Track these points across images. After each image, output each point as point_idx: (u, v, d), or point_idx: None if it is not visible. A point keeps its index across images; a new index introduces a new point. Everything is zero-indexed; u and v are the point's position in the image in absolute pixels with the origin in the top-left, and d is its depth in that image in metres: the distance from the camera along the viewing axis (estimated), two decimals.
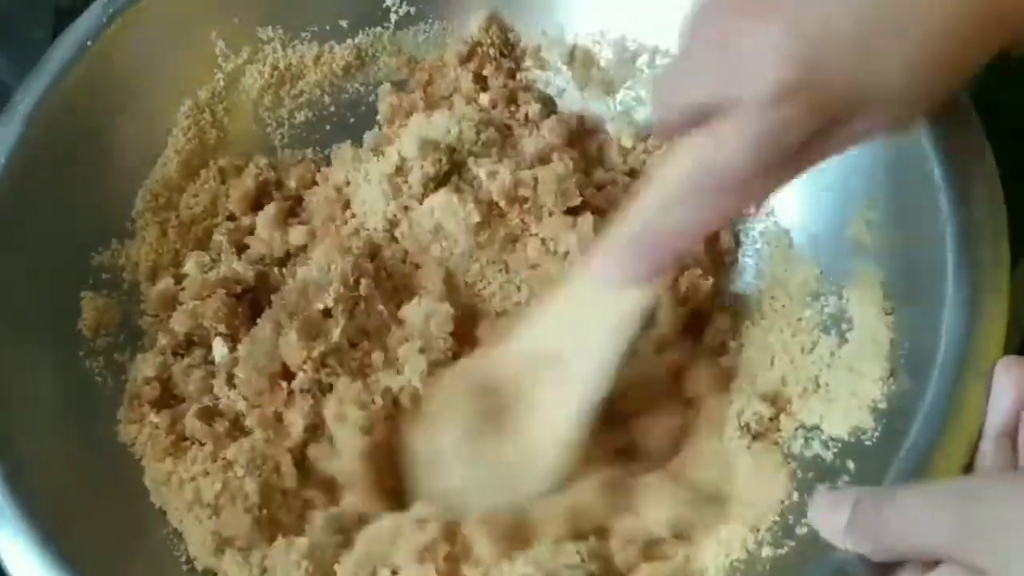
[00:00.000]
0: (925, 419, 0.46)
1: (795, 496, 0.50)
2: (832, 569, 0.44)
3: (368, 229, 0.60)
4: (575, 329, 0.48)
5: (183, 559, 0.52)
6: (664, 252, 0.46)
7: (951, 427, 0.46)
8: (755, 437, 0.53)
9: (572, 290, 0.50)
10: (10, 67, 0.65)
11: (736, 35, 0.40)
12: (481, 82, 0.67)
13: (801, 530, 0.48)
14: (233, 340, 0.58)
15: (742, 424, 0.53)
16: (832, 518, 0.43)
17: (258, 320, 0.57)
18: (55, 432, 0.54)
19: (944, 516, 0.38)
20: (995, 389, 0.45)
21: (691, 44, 0.43)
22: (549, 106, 0.67)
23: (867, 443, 0.49)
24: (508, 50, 0.68)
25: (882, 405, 0.50)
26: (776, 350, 0.55)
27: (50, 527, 0.48)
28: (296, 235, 0.61)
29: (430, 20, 0.68)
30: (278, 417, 0.55)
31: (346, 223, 0.61)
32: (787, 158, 0.41)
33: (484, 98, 0.66)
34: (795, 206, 0.59)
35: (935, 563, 0.40)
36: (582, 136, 0.66)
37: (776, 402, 0.53)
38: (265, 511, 0.53)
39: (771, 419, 0.53)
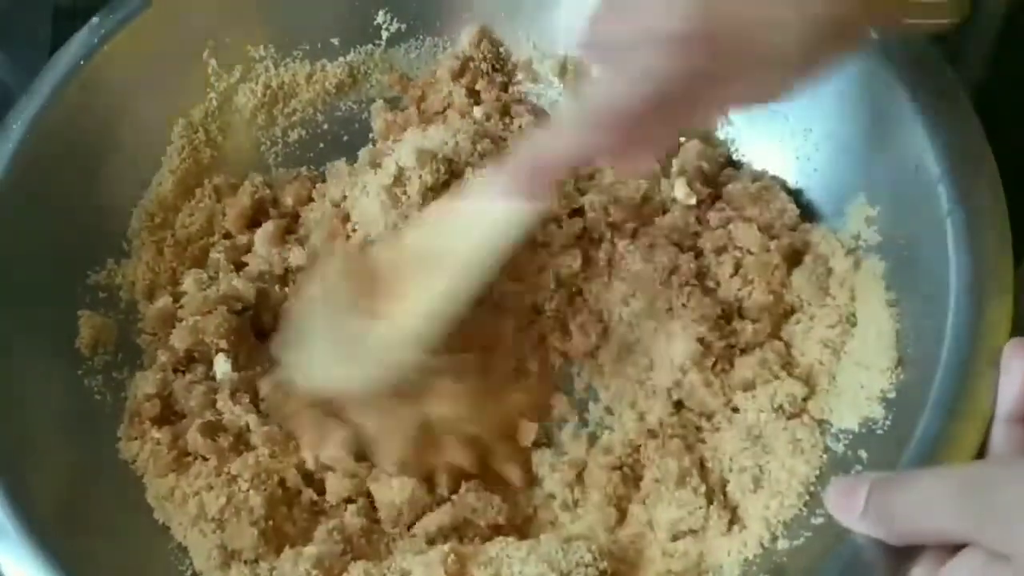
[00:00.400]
0: (935, 406, 0.46)
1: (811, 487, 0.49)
2: (849, 556, 0.43)
3: (372, 241, 0.60)
4: (459, 232, 0.52)
5: (188, 574, 0.52)
6: (547, 173, 0.50)
7: (961, 413, 0.46)
8: (789, 418, 0.52)
9: (464, 201, 0.54)
10: (10, 67, 0.65)
11: None
12: (474, 96, 0.67)
13: (817, 520, 0.48)
14: (235, 356, 0.57)
15: (775, 406, 0.52)
16: (848, 504, 0.43)
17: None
18: (57, 450, 0.53)
19: (960, 500, 0.38)
20: (1004, 374, 0.46)
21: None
22: (542, 118, 0.67)
23: (878, 432, 0.49)
24: (500, 64, 0.68)
25: (891, 395, 0.50)
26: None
27: (53, 545, 0.48)
28: (297, 255, 0.61)
29: (421, 36, 0.68)
30: (287, 435, 0.55)
31: (348, 237, 0.61)
32: (667, 108, 0.44)
33: (478, 112, 0.66)
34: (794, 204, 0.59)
35: (955, 548, 0.40)
36: None
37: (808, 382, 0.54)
38: (271, 523, 0.52)
39: (804, 399, 0.53)
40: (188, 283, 0.60)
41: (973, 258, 0.49)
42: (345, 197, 0.63)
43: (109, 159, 0.61)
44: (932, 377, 0.47)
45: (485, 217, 0.51)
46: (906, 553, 0.41)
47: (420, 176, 0.59)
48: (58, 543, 0.48)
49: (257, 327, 0.59)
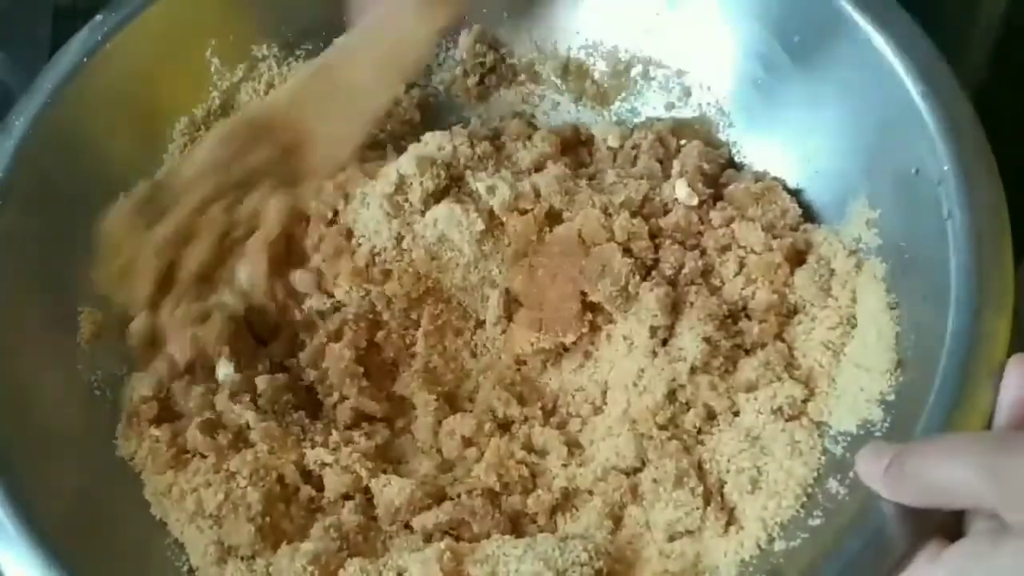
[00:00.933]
0: (934, 409, 0.46)
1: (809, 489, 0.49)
2: (872, 530, 0.44)
3: (378, 251, 0.60)
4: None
5: (185, 569, 0.52)
6: None
7: (960, 416, 0.46)
8: (788, 420, 0.52)
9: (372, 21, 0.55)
10: (10, 67, 0.65)
11: None
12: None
13: (814, 522, 0.48)
14: (237, 360, 0.58)
15: (774, 408, 0.52)
16: (874, 465, 0.43)
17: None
18: (56, 448, 0.53)
19: (980, 466, 0.39)
20: (1004, 383, 0.46)
21: None
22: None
23: (877, 435, 0.49)
24: (499, 65, 0.69)
25: (891, 397, 0.50)
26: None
27: (51, 541, 0.48)
28: (304, 281, 0.61)
29: None
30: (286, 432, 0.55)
31: (354, 253, 0.61)
32: None
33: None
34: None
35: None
36: (575, 145, 0.66)
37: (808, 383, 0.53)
38: (268, 519, 0.52)
39: (803, 401, 0.53)
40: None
41: (974, 261, 0.49)
42: (337, 212, 0.63)
43: (111, 157, 0.61)
44: (931, 380, 0.47)
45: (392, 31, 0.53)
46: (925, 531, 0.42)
47: (421, 183, 0.59)
48: (57, 541, 0.48)
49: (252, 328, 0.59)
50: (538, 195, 0.60)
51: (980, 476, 0.38)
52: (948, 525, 0.42)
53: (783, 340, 0.56)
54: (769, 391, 0.53)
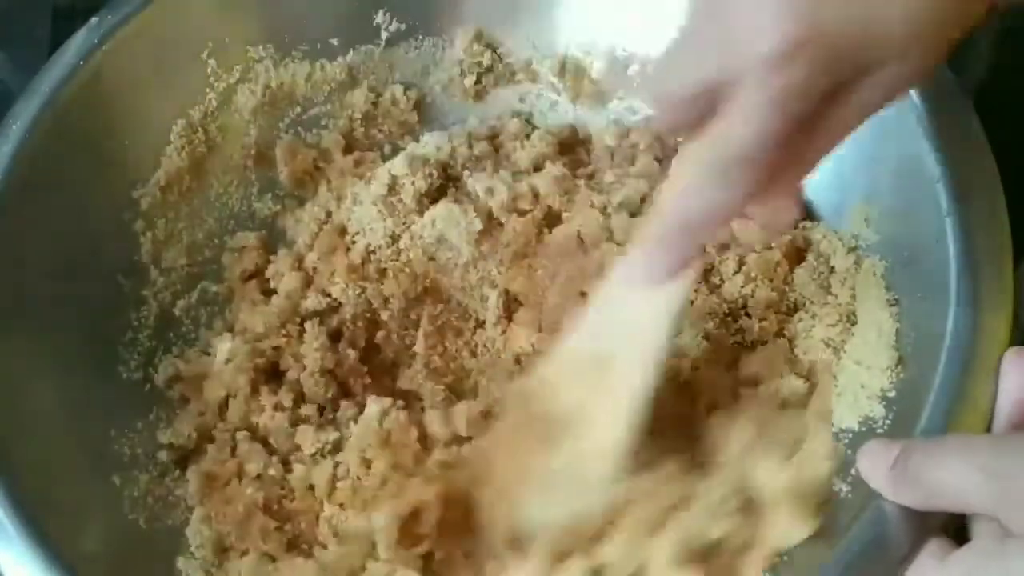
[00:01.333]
0: (935, 406, 0.46)
1: None
2: (874, 528, 0.44)
3: (373, 249, 0.60)
4: (618, 331, 0.48)
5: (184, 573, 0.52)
6: (690, 242, 0.45)
7: (961, 412, 0.46)
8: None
9: (610, 291, 0.49)
10: (9, 67, 0.65)
11: (725, 6, 0.39)
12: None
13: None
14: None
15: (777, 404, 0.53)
16: (877, 466, 0.43)
17: None
18: (56, 447, 0.53)
19: (985, 471, 0.39)
20: (1002, 382, 0.46)
21: (687, 24, 0.41)
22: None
23: (879, 432, 0.49)
24: (496, 64, 0.69)
25: (891, 394, 0.50)
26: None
27: (52, 541, 0.48)
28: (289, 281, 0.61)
29: (420, 36, 0.69)
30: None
31: (348, 250, 0.61)
32: (804, 127, 0.40)
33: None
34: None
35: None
36: (573, 145, 0.66)
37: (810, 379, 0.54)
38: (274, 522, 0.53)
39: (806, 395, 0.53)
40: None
41: (973, 258, 0.49)
42: (330, 213, 0.62)
43: (108, 159, 0.61)
44: (932, 377, 0.47)
45: (640, 310, 0.47)
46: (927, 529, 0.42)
47: (413, 183, 0.59)
48: (57, 541, 0.48)
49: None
50: (536, 195, 0.60)
51: (983, 482, 0.38)
52: (951, 522, 0.42)
53: (784, 336, 0.56)
54: (771, 387, 0.53)
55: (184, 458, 0.57)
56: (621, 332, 0.48)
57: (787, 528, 0.47)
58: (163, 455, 0.56)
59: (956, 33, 0.40)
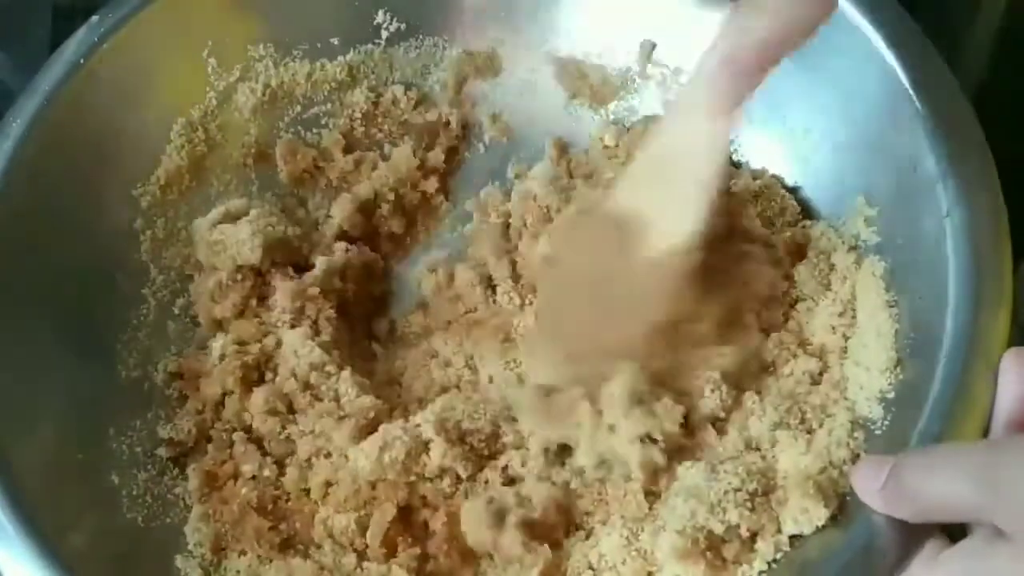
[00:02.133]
0: (934, 407, 0.46)
1: None
2: (862, 542, 0.44)
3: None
4: (669, 176, 0.52)
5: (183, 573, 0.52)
6: (754, 67, 0.48)
7: (960, 413, 0.46)
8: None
9: (662, 136, 0.53)
10: (9, 67, 0.65)
11: None
12: None
13: None
14: None
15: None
16: (869, 482, 0.43)
17: None
18: (55, 444, 0.53)
19: (975, 477, 0.39)
20: (1000, 382, 0.46)
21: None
22: None
23: (877, 433, 0.49)
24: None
25: (890, 395, 0.50)
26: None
27: (49, 539, 0.48)
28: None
29: (421, 36, 0.68)
30: None
31: None
32: None
33: None
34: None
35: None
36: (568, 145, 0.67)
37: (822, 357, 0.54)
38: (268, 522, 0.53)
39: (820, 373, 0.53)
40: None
41: (972, 259, 0.49)
42: None
43: (108, 157, 0.61)
44: (931, 378, 0.47)
45: (699, 139, 0.51)
46: (915, 539, 0.42)
47: None
48: (55, 539, 0.48)
49: None
50: (534, 197, 0.60)
51: (975, 490, 0.38)
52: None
53: (792, 320, 0.56)
54: (787, 368, 0.54)
55: (183, 456, 0.57)
56: (677, 167, 0.52)
57: (802, 514, 0.47)
58: (162, 451, 0.56)
59: None
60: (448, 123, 0.68)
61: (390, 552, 0.52)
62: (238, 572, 0.52)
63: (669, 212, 0.52)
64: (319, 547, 0.53)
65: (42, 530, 0.48)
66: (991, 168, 0.51)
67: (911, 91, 0.53)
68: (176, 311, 0.62)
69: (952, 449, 0.42)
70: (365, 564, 0.52)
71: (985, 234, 0.49)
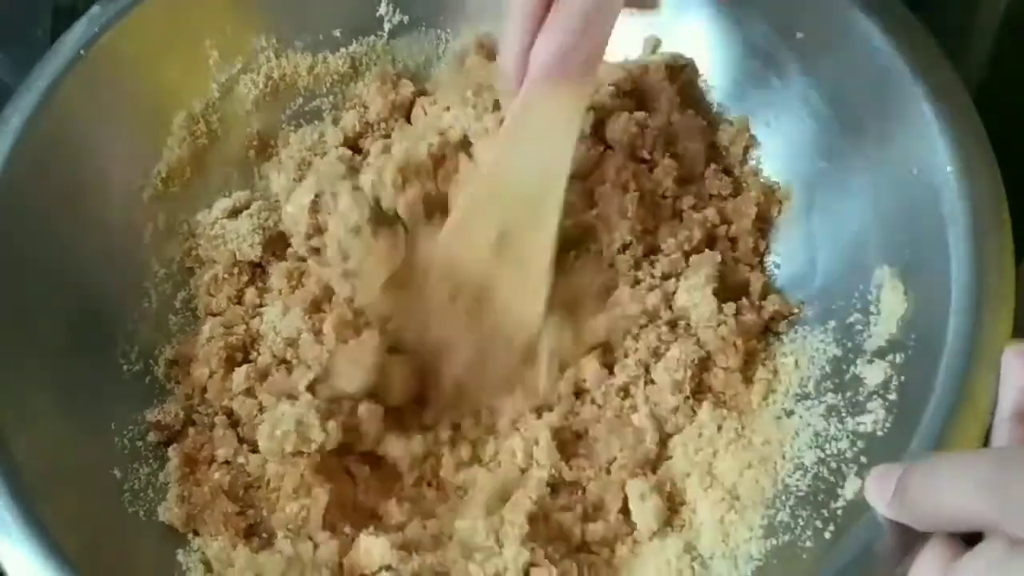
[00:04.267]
0: (936, 408, 0.46)
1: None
2: (860, 546, 0.44)
3: None
4: (526, 154, 0.52)
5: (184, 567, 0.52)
6: (596, 33, 0.49)
7: (963, 414, 0.46)
8: None
9: (512, 121, 0.52)
10: (10, 67, 0.65)
11: None
12: None
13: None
14: None
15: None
16: (880, 491, 0.43)
17: None
18: (57, 438, 0.53)
19: (984, 485, 0.38)
20: (1004, 373, 0.46)
21: None
22: None
23: (879, 434, 0.49)
24: None
25: (892, 397, 0.50)
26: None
27: (51, 533, 0.48)
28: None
29: (423, 28, 0.68)
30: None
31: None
32: None
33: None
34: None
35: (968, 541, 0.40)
36: None
37: None
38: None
39: None
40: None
41: (975, 262, 0.49)
42: None
43: (109, 150, 0.61)
44: (933, 380, 0.47)
45: (550, 118, 0.50)
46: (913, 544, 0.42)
47: None
48: (57, 533, 0.48)
49: None
50: None
51: (983, 499, 0.38)
52: None
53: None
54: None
55: (172, 441, 0.57)
56: (528, 157, 0.52)
57: None
58: (152, 436, 0.57)
59: None
60: None
61: (336, 535, 0.53)
62: (208, 553, 0.52)
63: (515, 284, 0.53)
64: (284, 536, 0.53)
65: (44, 525, 0.48)
66: (994, 170, 0.51)
67: (914, 92, 0.53)
68: (177, 305, 0.62)
69: (959, 458, 0.42)
70: (319, 551, 0.52)
71: (988, 238, 0.49)
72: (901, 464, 0.43)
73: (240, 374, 0.57)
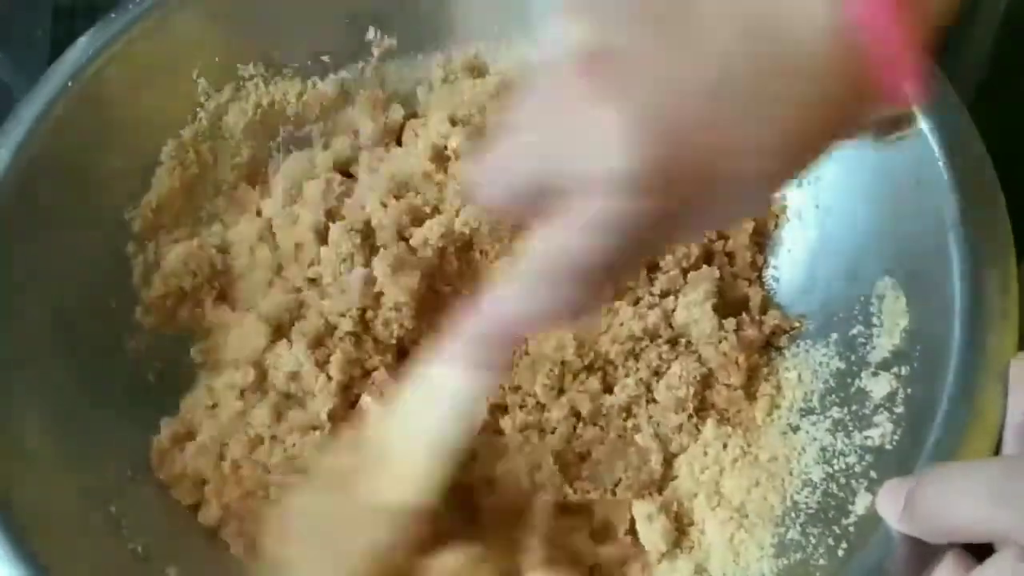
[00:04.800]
0: (944, 420, 0.46)
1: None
2: (874, 563, 0.44)
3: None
4: (421, 408, 0.47)
5: None
6: (508, 340, 0.43)
7: (970, 426, 0.45)
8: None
9: (419, 381, 0.48)
10: (9, 67, 0.64)
11: (578, 112, 0.35)
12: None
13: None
14: None
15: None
16: (891, 503, 0.43)
17: None
18: (53, 475, 0.52)
19: (996, 496, 0.38)
20: (1012, 388, 0.45)
21: (523, 118, 0.38)
22: None
23: (887, 448, 0.49)
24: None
25: (899, 410, 0.49)
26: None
27: (50, 572, 0.47)
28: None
29: (412, 53, 0.68)
30: None
31: None
32: (633, 251, 0.38)
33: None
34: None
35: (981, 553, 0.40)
36: None
37: None
38: None
39: None
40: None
41: (978, 271, 0.49)
42: None
43: (99, 181, 0.60)
44: (940, 391, 0.46)
45: (444, 390, 0.45)
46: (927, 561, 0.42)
47: None
48: (55, 571, 0.47)
49: None
50: None
51: (994, 510, 0.38)
52: None
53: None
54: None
55: None
56: (418, 421, 0.47)
57: None
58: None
59: (805, 162, 0.38)
60: None
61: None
62: None
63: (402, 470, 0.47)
64: None
65: (41, 563, 0.47)
66: (993, 179, 0.51)
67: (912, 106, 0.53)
68: (168, 337, 0.61)
69: (969, 468, 0.41)
70: None
71: (990, 246, 0.49)
72: (914, 477, 0.43)
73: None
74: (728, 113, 0.35)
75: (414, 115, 0.68)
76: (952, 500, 0.40)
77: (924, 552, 0.42)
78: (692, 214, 0.37)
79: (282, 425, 0.56)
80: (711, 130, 0.35)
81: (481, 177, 0.40)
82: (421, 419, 0.46)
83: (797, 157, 0.37)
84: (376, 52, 0.67)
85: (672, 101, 0.35)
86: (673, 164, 0.35)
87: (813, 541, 0.48)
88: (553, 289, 0.38)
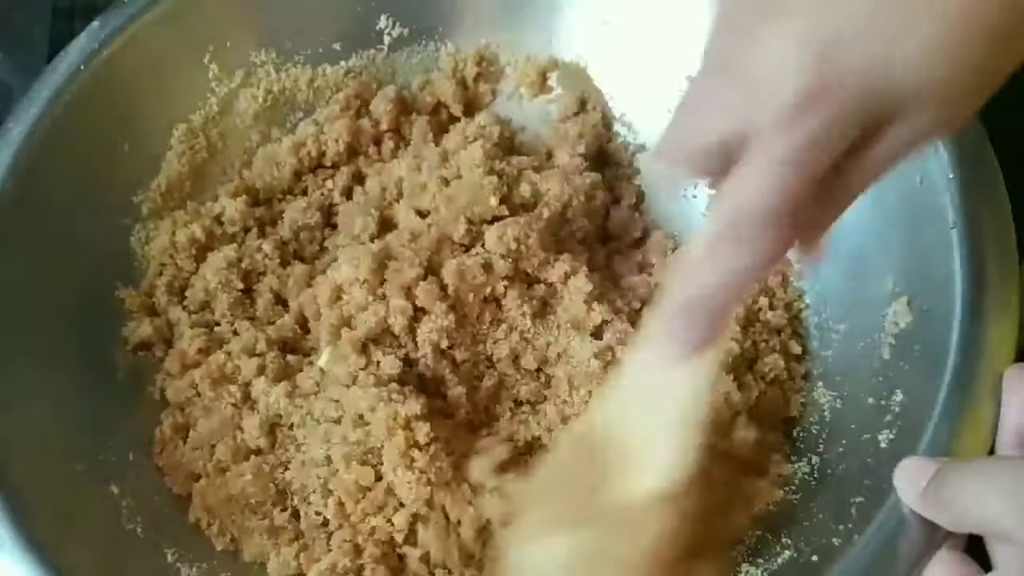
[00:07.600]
0: (940, 421, 0.46)
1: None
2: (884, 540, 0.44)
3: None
4: (645, 416, 0.45)
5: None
6: (715, 311, 0.40)
7: (966, 427, 0.46)
8: None
9: (632, 375, 0.46)
10: (9, 66, 0.65)
11: (743, 53, 0.36)
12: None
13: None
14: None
15: None
16: (911, 484, 0.43)
17: None
18: (53, 455, 0.53)
19: (1013, 494, 0.38)
20: (1005, 398, 0.45)
21: (699, 75, 0.38)
22: None
23: (883, 446, 0.49)
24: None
25: (896, 408, 0.49)
26: None
27: (49, 551, 0.48)
28: None
29: (423, 42, 0.68)
30: None
31: None
32: (828, 180, 0.36)
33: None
34: None
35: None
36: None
37: None
38: None
39: None
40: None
41: (978, 271, 0.49)
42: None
43: (109, 166, 0.61)
44: (937, 391, 0.47)
45: (668, 393, 0.43)
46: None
47: None
48: (54, 551, 0.48)
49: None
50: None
51: (1014, 508, 0.38)
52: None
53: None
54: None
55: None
56: (647, 421, 0.44)
57: None
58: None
59: (994, 79, 0.36)
60: None
61: None
62: None
63: (649, 456, 0.45)
64: None
65: (40, 542, 0.48)
66: (997, 178, 0.51)
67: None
68: (175, 319, 0.61)
69: (996, 463, 0.41)
70: None
71: (991, 246, 0.49)
72: (935, 459, 0.43)
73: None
74: (896, 17, 0.34)
75: (416, 109, 0.68)
76: (975, 492, 0.40)
77: (934, 534, 0.43)
78: (874, 143, 0.36)
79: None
80: (879, 38, 0.34)
81: (670, 145, 0.39)
82: (653, 404, 0.44)
83: (969, 80, 0.35)
84: (387, 41, 0.68)
85: (834, 12, 0.34)
86: (839, 77, 0.34)
87: None
88: (739, 248, 0.37)
